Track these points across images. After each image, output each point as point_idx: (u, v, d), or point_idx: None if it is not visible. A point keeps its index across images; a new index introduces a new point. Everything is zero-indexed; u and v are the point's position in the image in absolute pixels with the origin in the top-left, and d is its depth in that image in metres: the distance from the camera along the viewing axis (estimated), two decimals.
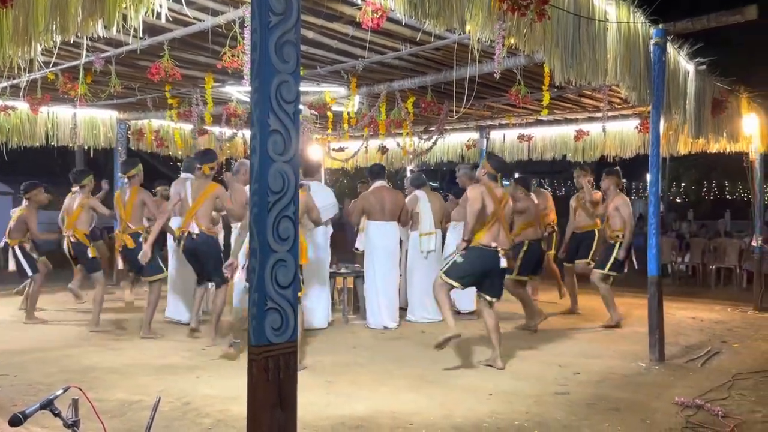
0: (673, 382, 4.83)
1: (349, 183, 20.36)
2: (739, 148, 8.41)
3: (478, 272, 5.10)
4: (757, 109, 8.27)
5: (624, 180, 7.03)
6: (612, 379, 4.88)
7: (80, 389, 2.12)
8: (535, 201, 7.15)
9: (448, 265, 5.21)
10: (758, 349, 6.03)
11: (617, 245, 6.81)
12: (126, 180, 6.57)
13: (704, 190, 23.67)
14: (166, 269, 6.67)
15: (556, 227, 8.40)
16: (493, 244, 5.06)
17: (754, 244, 8.91)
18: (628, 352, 5.76)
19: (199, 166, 5.98)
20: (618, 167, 7.40)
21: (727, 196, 23.43)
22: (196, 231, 5.83)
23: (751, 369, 5.23)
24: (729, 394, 4.52)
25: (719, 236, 12.47)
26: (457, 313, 7.40)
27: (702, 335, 6.64)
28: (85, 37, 4.99)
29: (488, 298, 5.19)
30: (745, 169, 8.80)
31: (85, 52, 5.51)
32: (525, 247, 6.78)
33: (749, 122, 8.02)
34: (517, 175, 8.47)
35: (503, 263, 5.05)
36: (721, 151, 8.59)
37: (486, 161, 5.37)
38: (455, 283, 5.12)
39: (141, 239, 6.31)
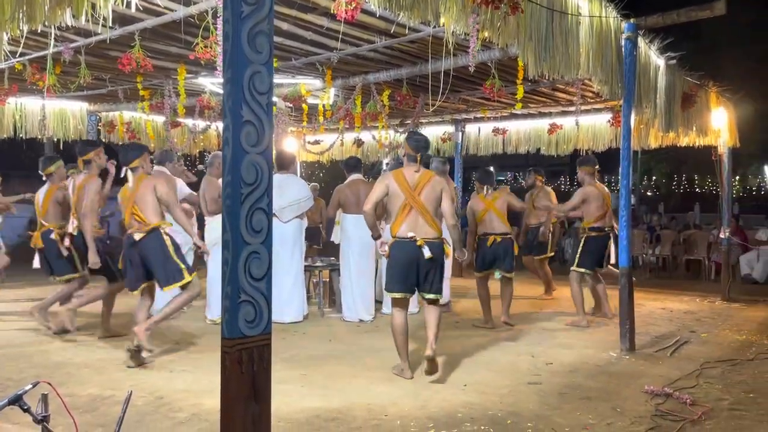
0: (643, 371, 4.92)
1: (325, 176, 20.30)
2: (708, 141, 8.57)
3: (404, 268, 4.56)
4: (726, 104, 8.44)
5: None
6: (584, 369, 4.96)
7: (50, 384, 2.10)
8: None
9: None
10: (725, 339, 6.18)
11: (583, 240, 6.65)
12: (45, 177, 6.14)
13: (674, 183, 24.09)
14: (84, 269, 5.94)
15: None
16: (410, 234, 4.54)
17: (722, 236, 9.11)
18: (600, 342, 5.86)
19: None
20: (591, 155, 7.47)
21: (697, 190, 23.88)
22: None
23: (718, 358, 5.36)
24: (697, 382, 4.63)
25: (689, 229, 12.72)
26: None
27: (671, 325, 6.78)
28: (53, 27, 4.89)
29: (427, 296, 4.64)
30: (714, 163, 8.98)
31: (53, 42, 5.39)
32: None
33: (718, 116, 8.17)
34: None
35: (427, 254, 4.48)
36: (691, 145, 8.74)
37: (405, 141, 4.86)
38: (396, 295, 4.62)
39: (53, 236, 5.84)
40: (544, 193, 8.52)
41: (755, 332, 6.49)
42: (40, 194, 6.15)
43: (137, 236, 4.99)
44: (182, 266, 4.99)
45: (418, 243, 4.52)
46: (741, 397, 4.32)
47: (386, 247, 4.67)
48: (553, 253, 8.66)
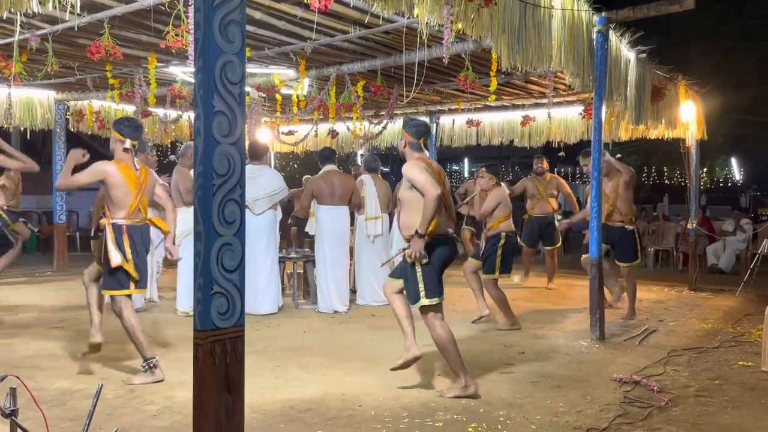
0: (612, 360, 5.02)
1: (299, 167, 20.20)
2: (676, 134, 8.73)
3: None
4: (694, 97, 8.59)
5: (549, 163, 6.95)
6: (555, 358, 5.04)
7: (18, 378, 2.06)
8: (506, 190, 6.60)
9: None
10: (692, 327, 6.32)
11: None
12: None
13: (644, 175, 24.51)
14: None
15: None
16: (449, 231, 4.14)
17: (689, 227, 9.30)
18: (571, 331, 5.96)
19: None
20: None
21: (666, 181, 24.34)
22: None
23: (685, 346, 5.48)
24: (664, 370, 4.74)
25: (658, 220, 12.96)
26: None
27: (640, 314, 6.90)
28: (19, 13, 4.77)
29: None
30: (682, 155, 9.15)
31: (19, 29, 5.26)
32: (502, 241, 6.03)
33: (686, 110, 8.32)
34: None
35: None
36: (660, 138, 8.90)
37: (403, 129, 4.28)
38: (440, 299, 4.02)
39: None
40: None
41: (721, 321, 6.65)
42: None
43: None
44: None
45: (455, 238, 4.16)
46: (706, 383, 4.43)
47: (416, 251, 3.89)
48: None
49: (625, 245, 6.60)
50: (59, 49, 6.36)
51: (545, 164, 8.75)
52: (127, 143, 4.33)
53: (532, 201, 8.57)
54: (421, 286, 3.94)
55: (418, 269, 3.95)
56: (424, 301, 3.95)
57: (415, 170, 3.95)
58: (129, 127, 4.37)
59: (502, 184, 6.54)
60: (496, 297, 6.08)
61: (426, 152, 4.17)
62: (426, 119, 10.96)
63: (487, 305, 6.26)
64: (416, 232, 3.86)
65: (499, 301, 6.09)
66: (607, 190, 6.43)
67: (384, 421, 3.59)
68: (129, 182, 4.28)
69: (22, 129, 9.81)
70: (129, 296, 4.37)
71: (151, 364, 4.24)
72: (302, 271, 7.57)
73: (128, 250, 4.25)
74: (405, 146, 4.20)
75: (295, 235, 9.71)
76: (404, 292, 4.12)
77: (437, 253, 3.98)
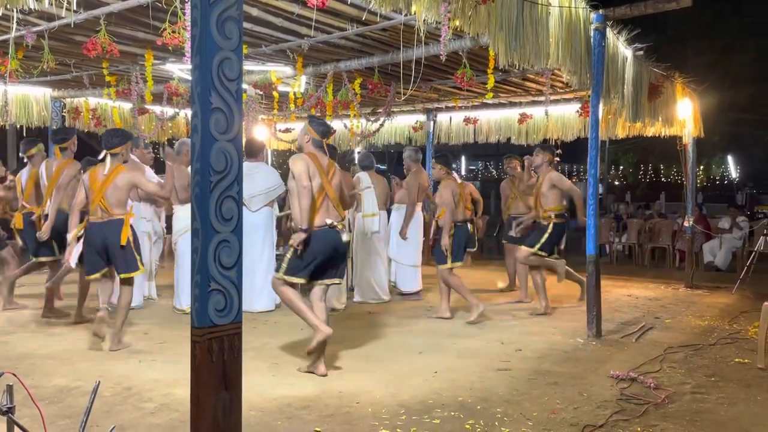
0: (609, 357, 5.03)
1: None
2: (673, 132, 8.74)
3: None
4: (691, 95, 8.60)
5: (556, 160, 6.90)
6: (552, 355, 5.05)
7: (15, 375, 2.06)
8: (458, 180, 6.72)
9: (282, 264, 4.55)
10: (688, 325, 6.34)
11: (550, 226, 6.56)
12: (26, 159, 6.40)
13: (641, 173, 24.54)
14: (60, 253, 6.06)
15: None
16: (329, 221, 4.49)
17: (686, 224, 9.32)
18: (568, 328, 5.96)
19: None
20: (551, 144, 7.53)
21: (663, 179, 24.37)
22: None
23: (681, 343, 5.50)
24: (661, 367, 4.75)
25: (653, 217, 12.99)
26: (400, 294, 7.52)
27: (637, 312, 6.93)
28: (15, 10, 4.76)
29: (336, 281, 4.68)
30: (679, 153, 9.16)
31: (15, 26, 5.24)
32: (451, 231, 6.27)
33: (683, 107, 8.33)
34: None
35: (345, 237, 4.52)
36: (657, 135, 8.91)
37: (308, 125, 4.64)
38: (296, 279, 4.48)
39: (33, 218, 6.12)
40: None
41: (717, 318, 6.67)
42: (23, 176, 6.36)
43: (99, 222, 4.97)
44: (138, 257, 5.04)
45: (339, 228, 4.52)
46: (703, 380, 4.45)
47: (295, 240, 4.40)
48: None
49: (537, 234, 6.74)
50: (55, 46, 6.33)
51: (515, 163, 8.49)
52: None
53: (507, 201, 8.31)
54: (284, 263, 4.49)
55: (290, 250, 4.46)
56: (278, 274, 4.53)
57: (298, 162, 4.43)
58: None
59: (454, 173, 6.73)
60: (455, 284, 6.29)
61: (325, 150, 4.61)
62: (423, 117, 10.98)
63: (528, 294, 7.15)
64: (300, 228, 4.38)
65: (456, 287, 6.30)
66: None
67: (381, 419, 3.60)
68: (91, 182, 5.00)
69: (18, 126, 9.78)
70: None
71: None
72: None
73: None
74: (308, 141, 4.61)
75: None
76: (297, 286, 4.60)
77: (310, 248, 4.42)
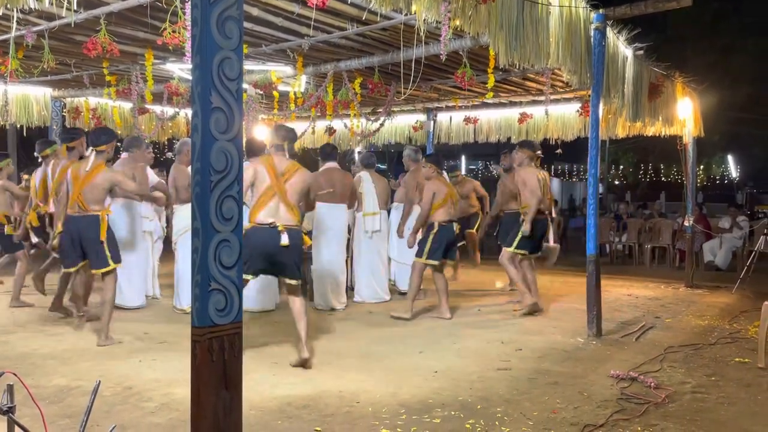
0: (609, 356, 5.03)
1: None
2: (673, 131, 8.73)
3: (258, 255, 4.56)
4: (691, 94, 8.60)
5: (538, 157, 6.83)
6: (552, 354, 5.05)
7: (15, 375, 2.06)
8: (448, 180, 6.83)
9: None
10: (688, 324, 6.34)
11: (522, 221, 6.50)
12: (41, 159, 6.55)
13: (641, 172, 24.53)
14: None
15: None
16: (270, 220, 4.57)
17: (686, 224, 9.33)
18: (568, 328, 5.96)
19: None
20: (534, 141, 7.49)
21: (663, 179, 24.36)
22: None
23: (681, 343, 5.50)
24: (661, 366, 4.75)
25: (653, 217, 12.99)
26: (400, 294, 7.51)
27: (637, 311, 6.93)
28: (15, 10, 4.75)
29: (287, 281, 4.75)
30: (679, 153, 9.16)
31: (15, 25, 5.24)
32: (435, 230, 6.31)
33: (683, 107, 8.33)
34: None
35: (284, 240, 4.53)
36: (657, 135, 8.90)
37: (272, 131, 5.02)
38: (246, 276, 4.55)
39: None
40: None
41: (717, 317, 6.67)
42: (37, 176, 6.50)
43: (76, 216, 5.11)
44: (108, 254, 5.13)
45: (279, 229, 4.57)
46: (703, 380, 4.45)
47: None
48: None
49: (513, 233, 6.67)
50: (56, 45, 6.33)
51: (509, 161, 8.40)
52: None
53: (503, 197, 8.31)
54: None
55: None
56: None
57: (246, 169, 4.47)
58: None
59: (444, 173, 6.84)
60: (415, 283, 6.41)
61: (285, 153, 4.79)
62: (423, 116, 10.98)
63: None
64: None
65: (414, 288, 6.43)
66: (510, 184, 7.13)
67: (381, 418, 3.60)
68: (73, 177, 5.15)
69: (18, 126, 9.78)
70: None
71: None
72: None
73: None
74: (271, 146, 4.86)
75: None
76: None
77: (244, 244, 4.42)
